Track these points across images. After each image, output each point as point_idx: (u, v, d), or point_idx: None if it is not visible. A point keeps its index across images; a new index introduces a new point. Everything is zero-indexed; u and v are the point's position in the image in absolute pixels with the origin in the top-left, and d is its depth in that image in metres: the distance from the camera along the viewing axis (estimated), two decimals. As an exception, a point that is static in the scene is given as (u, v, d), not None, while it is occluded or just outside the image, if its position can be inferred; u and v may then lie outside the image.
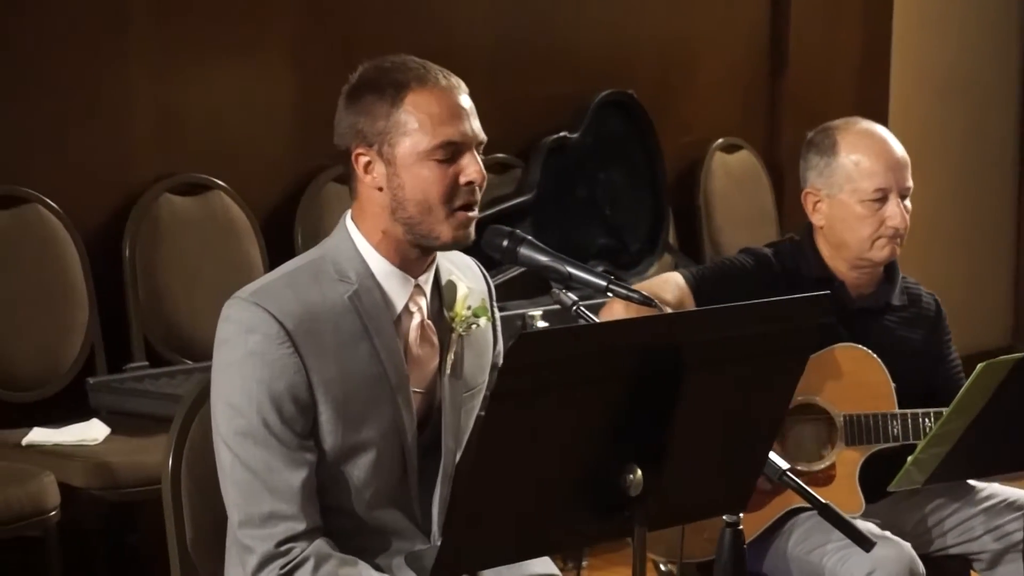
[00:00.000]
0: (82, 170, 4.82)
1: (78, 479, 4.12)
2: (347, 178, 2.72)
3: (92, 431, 4.30)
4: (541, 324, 4.82)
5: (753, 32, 6.88)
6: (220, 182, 5.04)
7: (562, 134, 5.92)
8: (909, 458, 3.18)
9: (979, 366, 2.96)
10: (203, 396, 2.81)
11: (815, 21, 7.04)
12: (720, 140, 6.61)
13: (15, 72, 4.67)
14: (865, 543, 2.69)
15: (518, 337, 2.19)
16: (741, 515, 2.59)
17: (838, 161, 3.58)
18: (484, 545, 2.33)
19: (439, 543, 2.65)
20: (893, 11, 7.37)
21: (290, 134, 5.30)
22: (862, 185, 3.55)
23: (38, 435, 4.28)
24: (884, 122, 6.85)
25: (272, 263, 5.03)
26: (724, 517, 2.58)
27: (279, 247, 5.11)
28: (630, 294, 2.69)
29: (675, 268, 6.12)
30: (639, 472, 2.33)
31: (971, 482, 3.64)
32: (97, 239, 4.79)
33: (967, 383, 3.00)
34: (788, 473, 2.66)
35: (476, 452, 2.29)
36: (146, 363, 4.74)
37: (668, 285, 3.49)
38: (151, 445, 4.23)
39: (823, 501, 2.68)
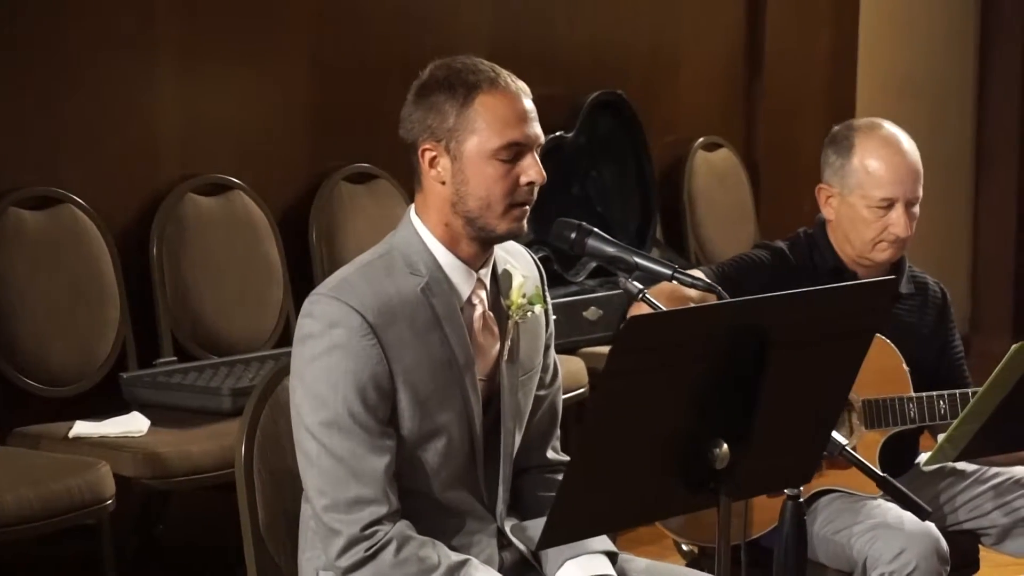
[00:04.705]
0: (112, 171, 4.84)
1: (129, 469, 4.15)
2: (412, 171, 2.80)
3: (135, 423, 4.32)
4: None
5: (732, 36, 7.01)
6: (240, 182, 5.08)
7: (558, 133, 5.96)
8: (942, 436, 3.34)
9: (1013, 347, 3.06)
10: (270, 386, 2.93)
11: (789, 25, 7.18)
12: (702, 139, 6.70)
13: (47, 76, 4.68)
14: (921, 512, 2.86)
15: (629, 320, 2.31)
16: (801, 489, 2.72)
17: (852, 164, 3.65)
18: (588, 514, 2.44)
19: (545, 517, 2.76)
20: (860, 15, 7.56)
21: (305, 135, 5.35)
22: (871, 192, 3.63)
23: (83, 428, 4.29)
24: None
25: (288, 260, 5.12)
26: (786, 491, 2.69)
27: (295, 245, 5.19)
28: (695, 282, 2.81)
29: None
30: (725, 446, 2.44)
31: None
32: (126, 238, 4.81)
33: (1001, 363, 3.09)
34: (847, 448, 2.80)
35: (586, 427, 2.38)
36: (174, 358, 4.76)
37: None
38: (194, 436, 4.31)
39: (881, 474, 2.84)
